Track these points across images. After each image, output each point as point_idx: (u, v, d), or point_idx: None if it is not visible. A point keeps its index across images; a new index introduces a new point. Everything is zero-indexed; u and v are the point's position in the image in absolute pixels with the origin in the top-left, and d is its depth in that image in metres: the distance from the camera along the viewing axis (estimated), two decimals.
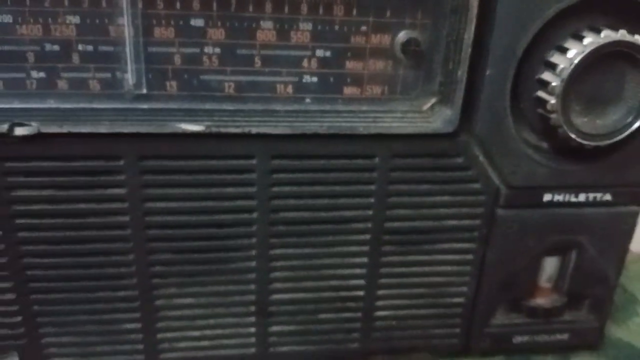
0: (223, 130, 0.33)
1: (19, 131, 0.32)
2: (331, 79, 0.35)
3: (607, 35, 0.33)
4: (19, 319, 0.37)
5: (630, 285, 0.55)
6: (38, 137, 0.32)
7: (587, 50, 0.33)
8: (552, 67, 0.34)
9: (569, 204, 0.39)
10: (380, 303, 0.41)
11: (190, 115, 0.33)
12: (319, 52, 0.34)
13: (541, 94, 0.34)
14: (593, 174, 0.38)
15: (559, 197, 0.39)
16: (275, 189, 0.36)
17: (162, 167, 0.34)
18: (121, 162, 0.34)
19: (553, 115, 0.34)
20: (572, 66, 0.33)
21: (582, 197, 0.39)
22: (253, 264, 0.38)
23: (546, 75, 0.34)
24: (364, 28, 0.34)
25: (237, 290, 0.39)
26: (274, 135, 0.34)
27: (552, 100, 0.34)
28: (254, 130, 0.33)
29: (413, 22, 0.34)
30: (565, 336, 0.45)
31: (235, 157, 0.34)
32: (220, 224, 0.36)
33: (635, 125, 0.35)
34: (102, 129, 0.32)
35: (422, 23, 0.34)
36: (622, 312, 0.52)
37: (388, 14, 0.33)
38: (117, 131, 0.32)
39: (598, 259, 0.42)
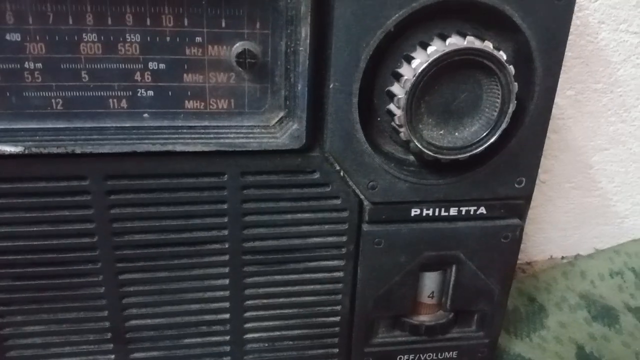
0: (44, 150, 0.31)
1: None
2: (169, 93, 0.32)
3: (453, 42, 0.31)
4: None
5: (539, 295, 0.53)
6: None
7: (430, 60, 0.31)
8: (398, 78, 0.32)
9: (441, 218, 0.38)
10: (249, 325, 0.39)
11: (10, 135, 0.31)
12: (152, 65, 0.32)
13: (391, 106, 0.33)
14: (461, 188, 0.37)
15: (427, 212, 0.37)
16: (115, 211, 0.34)
17: None
18: None
19: (402, 129, 0.32)
20: (415, 77, 0.31)
21: (453, 211, 0.38)
22: (102, 289, 0.36)
23: (394, 88, 0.32)
24: (198, 39, 0.31)
25: (90, 317, 0.36)
26: (105, 155, 0.32)
27: (399, 113, 0.32)
28: (78, 150, 0.31)
29: (252, 32, 0.32)
30: (453, 354, 0.43)
31: (65, 178, 0.32)
32: (61, 249, 0.34)
33: (494, 138, 0.33)
34: None
35: (261, 33, 0.32)
36: (527, 324, 0.51)
37: (223, 24, 0.31)
38: None
39: (480, 274, 0.40)
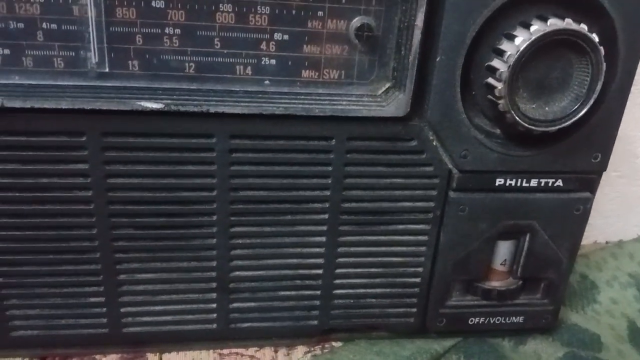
0: (182, 108, 0.34)
1: None
2: (289, 62, 0.36)
3: (553, 23, 0.34)
4: None
5: (590, 273, 0.56)
6: (2, 111, 0.33)
7: (533, 38, 0.34)
8: (500, 54, 0.35)
9: (521, 189, 0.41)
10: (338, 282, 0.42)
11: (151, 93, 0.34)
12: (277, 36, 0.35)
13: (490, 80, 0.36)
14: (543, 160, 0.40)
15: (510, 182, 0.40)
16: (235, 168, 0.37)
17: (124, 144, 0.35)
18: (84, 138, 0.35)
19: (501, 101, 0.35)
20: (518, 53, 0.34)
21: (533, 183, 0.41)
22: (214, 241, 0.39)
23: (495, 62, 0.35)
24: (320, 13, 0.35)
25: (199, 266, 0.40)
26: (232, 115, 0.35)
27: (500, 86, 0.35)
28: (212, 110, 0.34)
29: (367, 8, 0.35)
30: (520, 319, 0.46)
31: (195, 135, 0.36)
32: (182, 201, 0.37)
33: (581, 113, 0.37)
34: (65, 104, 0.33)
35: (376, 9, 0.35)
36: (581, 299, 0.54)
37: (343, 0, 0.35)
38: (79, 107, 0.34)
39: (551, 243, 0.43)
